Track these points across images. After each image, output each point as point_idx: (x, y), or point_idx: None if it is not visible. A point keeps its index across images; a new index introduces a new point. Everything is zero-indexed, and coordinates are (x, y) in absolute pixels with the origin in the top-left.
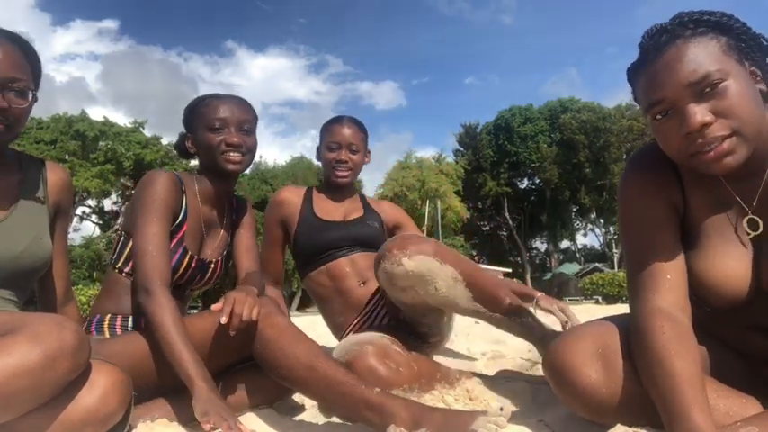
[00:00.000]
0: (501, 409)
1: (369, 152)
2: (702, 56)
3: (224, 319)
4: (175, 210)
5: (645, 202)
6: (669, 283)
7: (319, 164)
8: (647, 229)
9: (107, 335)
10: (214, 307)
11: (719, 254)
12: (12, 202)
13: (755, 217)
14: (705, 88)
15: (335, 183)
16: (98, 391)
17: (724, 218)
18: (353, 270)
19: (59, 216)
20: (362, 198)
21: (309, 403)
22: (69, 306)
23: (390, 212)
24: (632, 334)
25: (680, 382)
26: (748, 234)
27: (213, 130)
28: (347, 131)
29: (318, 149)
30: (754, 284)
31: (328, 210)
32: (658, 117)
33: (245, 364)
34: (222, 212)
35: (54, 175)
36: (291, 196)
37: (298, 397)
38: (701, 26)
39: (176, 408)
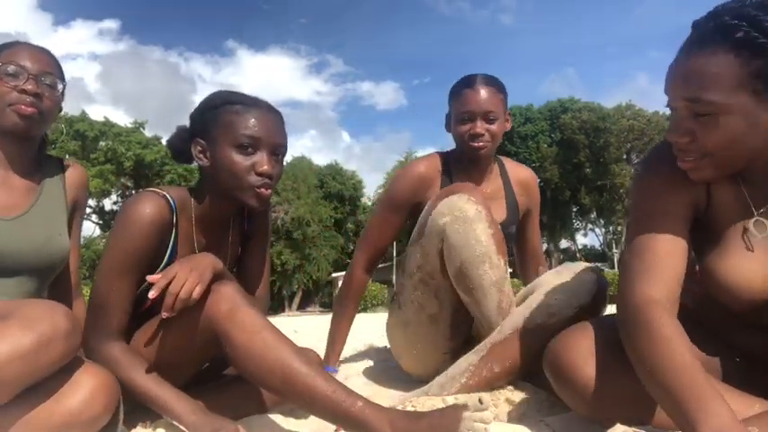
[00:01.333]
0: (480, 401)
1: (509, 117)
2: (712, 79)
3: (152, 294)
4: (159, 252)
5: (660, 195)
6: (664, 275)
7: (320, 164)
8: (657, 220)
9: None
10: (150, 278)
11: (739, 257)
12: (32, 198)
13: (762, 219)
14: (698, 111)
15: (470, 155)
16: (83, 392)
17: (744, 219)
18: None
19: (75, 213)
20: (503, 174)
21: None
22: (77, 302)
23: (526, 199)
24: (623, 322)
25: (696, 376)
26: (756, 236)
27: (241, 149)
28: (483, 97)
29: (448, 117)
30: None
31: None
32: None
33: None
34: (227, 230)
35: (73, 174)
36: (431, 174)
37: None
38: (744, 44)
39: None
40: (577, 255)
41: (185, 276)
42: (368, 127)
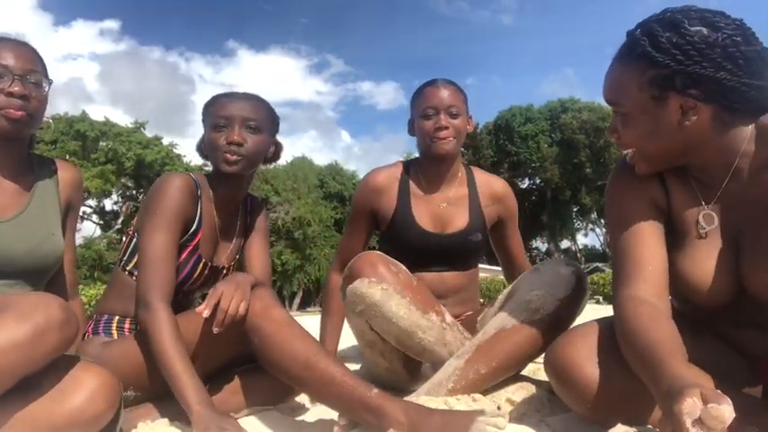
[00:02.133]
0: (498, 408)
1: (470, 118)
2: (615, 82)
3: (206, 313)
4: (189, 217)
5: (626, 200)
6: (646, 274)
7: (320, 164)
8: (628, 223)
9: (115, 336)
10: (198, 310)
11: (702, 255)
12: (25, 200)
13: (711, 212)
14: (618, 113)
15: (437, 154)
16: (85, 391)
17: (702, 218)
18: (439, 289)
19: (69, 212)
20: (470, 182)
21: (311, 404)
22: (74, 302)
23: (497, 209)
24: (615, 324)
25: (658, 344)
26: (704, 228)
27: (217, 129)
28: (444, 93)
29: (410, 122)
30: (735, 284)
31: (427, 207)
32: None
33: (251, 365)
34: (236, 217)
35: (65, 174)
36: (387, 182)
37: (300, 398)
38: (645, 54)
39: (179, 408)
40: (578, 255)
41: (231, 294)
42: (368, 127)
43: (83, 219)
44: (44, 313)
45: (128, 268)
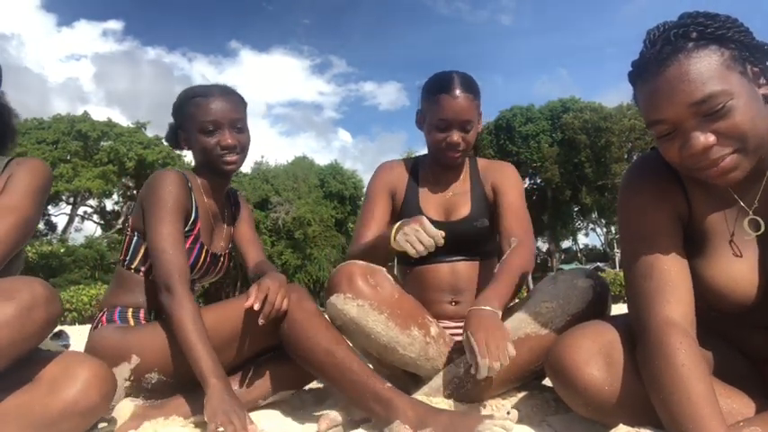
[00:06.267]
0: (508, 412)
1: (481, 115)
2: (705, 74)
3: (257, 306)
4: (188, 208)
5: (648, 213)
6: (678, 295)
7: (320, 164)
8: (653, 239)
9: (132, 323)
10: (248, 303)
11: (726, 259)
12: None
13: (757, 217)
14: (708, 110)
15: (444, 163)
16: (79, 383)
17: (728, 221)
18: (451, 281)
19: None
20: (473, 171)
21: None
22: None
23: (495, 183)
24: (642, 345)
25: (701, 409)
26: (751, 235)
27: (206, 133)
28: (460, 105)
29: (419, 113)
30: (762, 287)
31: (433, 198)
32: (661, 135)
33: (270, 355)
34: (223, 207)
35: None
36: (400, 171)
37: (310, 394)
38: (705, 37)
39: (192, 405)
40: (579, 255)
41: (277, 290)
42: (370, 127)
43: (84, 219)
44: (29, 291)
45: (132, 267)
